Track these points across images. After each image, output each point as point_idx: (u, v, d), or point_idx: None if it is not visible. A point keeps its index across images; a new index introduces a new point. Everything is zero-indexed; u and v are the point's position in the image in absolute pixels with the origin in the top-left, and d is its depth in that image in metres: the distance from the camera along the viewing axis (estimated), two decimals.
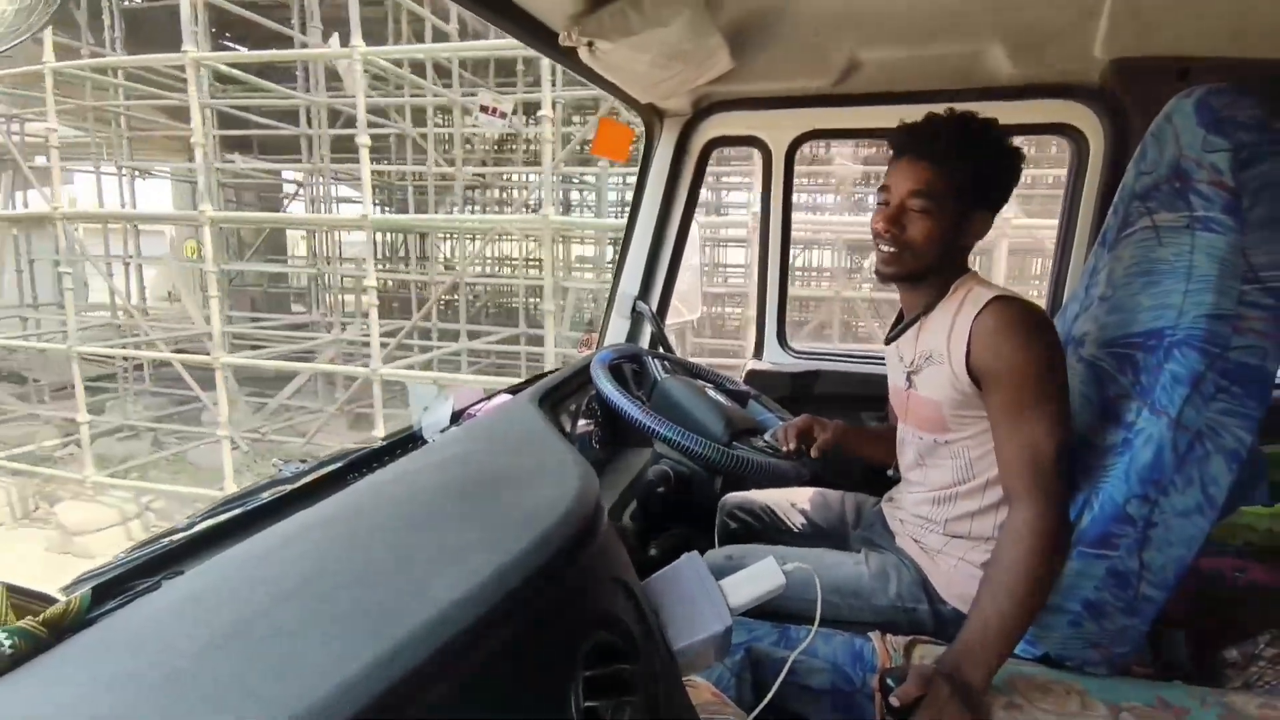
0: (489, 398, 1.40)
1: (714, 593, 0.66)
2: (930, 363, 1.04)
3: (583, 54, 1.12)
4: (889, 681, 0.88)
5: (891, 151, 1.08)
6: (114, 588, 0.64)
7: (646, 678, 0.54)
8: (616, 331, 1.79)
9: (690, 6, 1.07)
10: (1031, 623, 0.92)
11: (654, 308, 1.77)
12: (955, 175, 0.99)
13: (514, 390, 1.48)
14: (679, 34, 1.11)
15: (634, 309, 1.75)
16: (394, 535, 0.55)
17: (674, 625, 0.65)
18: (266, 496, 0.90)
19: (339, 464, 1.03)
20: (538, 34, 1.10)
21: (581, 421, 1.46)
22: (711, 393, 1.32)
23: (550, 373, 1.57)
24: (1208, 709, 0.89)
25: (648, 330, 1.80)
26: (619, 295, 1.77)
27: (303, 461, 1.04)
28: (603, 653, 0.51)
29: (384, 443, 1.13)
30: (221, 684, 0.38)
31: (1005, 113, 1.54)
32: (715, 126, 1.69)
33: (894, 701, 0.85)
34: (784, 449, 1.20)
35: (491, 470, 0.69)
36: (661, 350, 1.77)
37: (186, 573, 0.65)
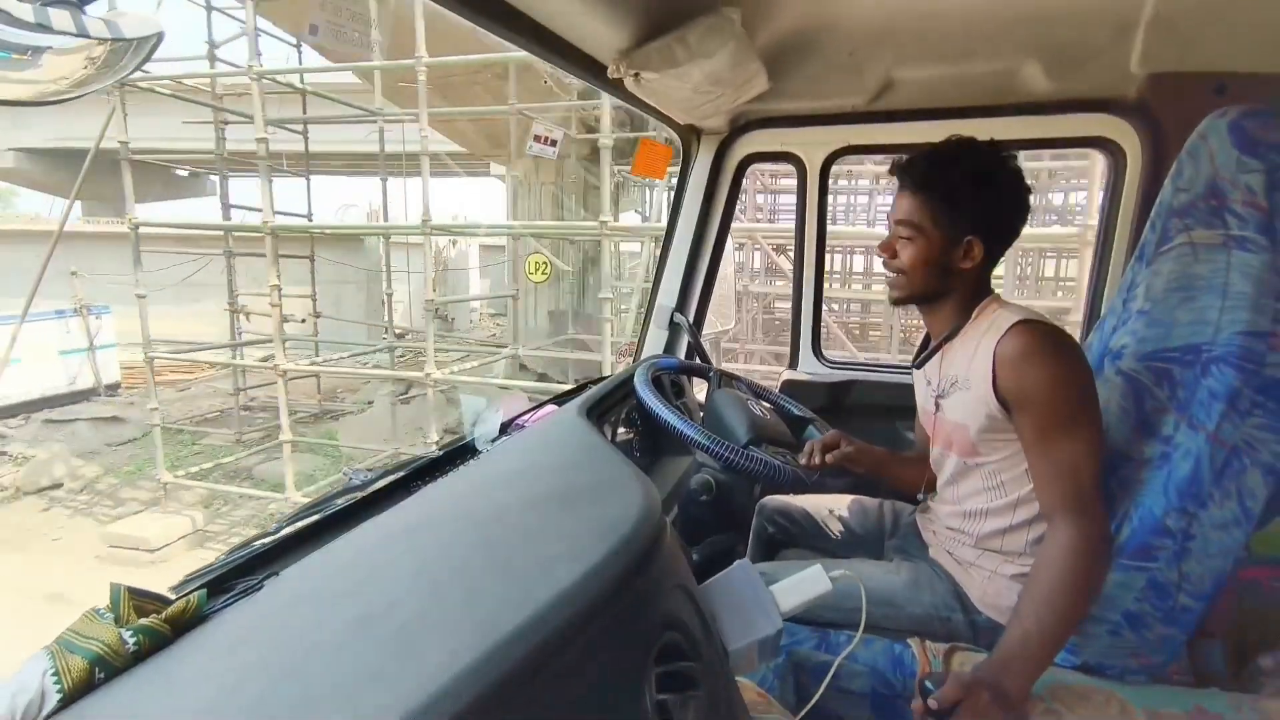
0: (536, 408, 1.47)
1: (765, 598, 0.71)
2: (957, 388, 1.07)
3: (629, 84, 1.17)
4: (928, 684, 0.91)
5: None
6: (221, 587, 0.71)
7: (706, 675, 0.59)
8: (654, 342, 1.85)
9: (734, 37, 1.12)
10: (1071, 634, 0.94)
11: (691, 319, 1.82)
12: (931, 204, 1.03)
13: (559, 400, 1.55)
14: (722, 63, 1.16)
15: (671, 320, 1.80)
16: (484, 543, 0.60)
17: (728, 628, 0.69)
18: (341, 503, 0.97)
19: (403, 473, 1.10)
20: (587, 67, 1.16)
21: (621, 430, 1.52)
22: (753, 406, 1.36)
23: (593, 382, 1.63)
24: (1243, 716, 0.90)
25: (684, 340, 1.85)
26: (657, 307, 1.82)
27: (369, 470, 1.11)
28: (670, 652, 0.56)
29: (441, 453, 1.19)
30: (341, 676, 0.44)
31: (1041, 127, 1.58)
32: (751, 144, 1.73)
33: (933, 704, 0.89)
34: (808, 460, 1.23)
35: (561, 483, 0.74)
36: (699, 360, 1.82)
37: (282, 573, 0.72)
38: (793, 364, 1.97)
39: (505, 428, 1.36)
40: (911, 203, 1.05)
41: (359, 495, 1.00)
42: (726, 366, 1.75)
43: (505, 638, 0.44)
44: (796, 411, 1.54)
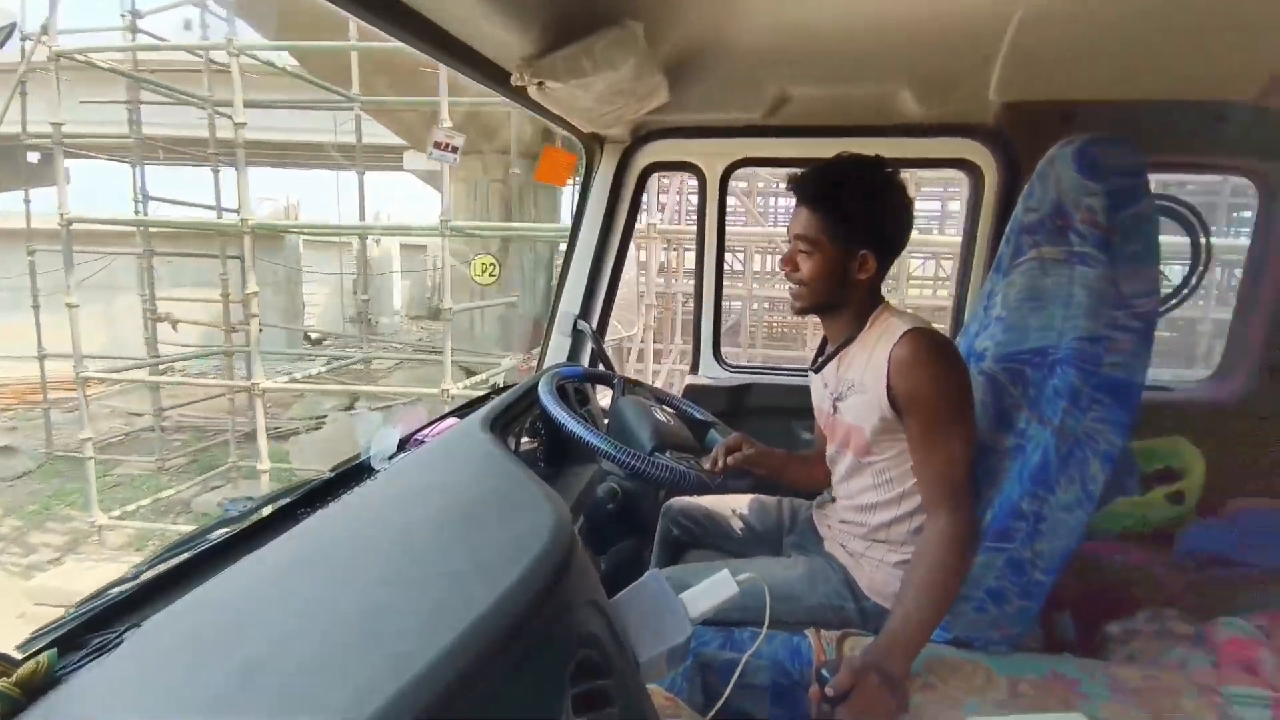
0: (436, 421, 1.42)
1: (675, 606, 0.73)
2: (853, 391, 1.14)
3: (532, 92, 1.16)
4: (824, 673, 0.97)
5: None
6: (75, 643, 0.63)
7: (620, 690, 0.60)
8: (558, 349, 1.84)
9: (637, 50, 1.14)
10: (945, 613, 1.04)
11: (594, 326, 1.82)
12: (829, 218, 1.10)
13: (460, 412, 1.50)
14: (625, 74, 1.17)
15: (575, 327, 1.80)
16: (386, 571, 0.58)
17: (640, 638, 0.70)
18: (216, 538, 0.89)
19: (289, 499, 1.02)
20: (490, 73, 1.13)
21: (525, 440, 1.50)
22: (656, 412, 1.39)
23: (497, 392, 1.60)
24: (1095, 680, 1.03)
25: (588, 347, 1.86)
26: (560, 314, 1.82)
27: (249, 499, 1.02)
28: (584, 669, 0.56)
29: (333, 474, 1.13)
30: None
31: (915, 149, 1.72)
32: (653, 153, 1.76)
33: (829, 691, 0.95)
34: (713, 465, 1.27)
35: (467, 502, 0.72)
36: (602, 366, 1.82)
37: (145, 624, 0.64)
38: (694, 369, 2.02)
39: (404, 444, 1.31)
40: (809, 218, 1.10)
41: (238, 528, 0.92)
42: (638, 369, 1.76)
43: (418, 674, 0.42)
44: (699, 416, 1.59)
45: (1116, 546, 1.49)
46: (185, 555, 0.82)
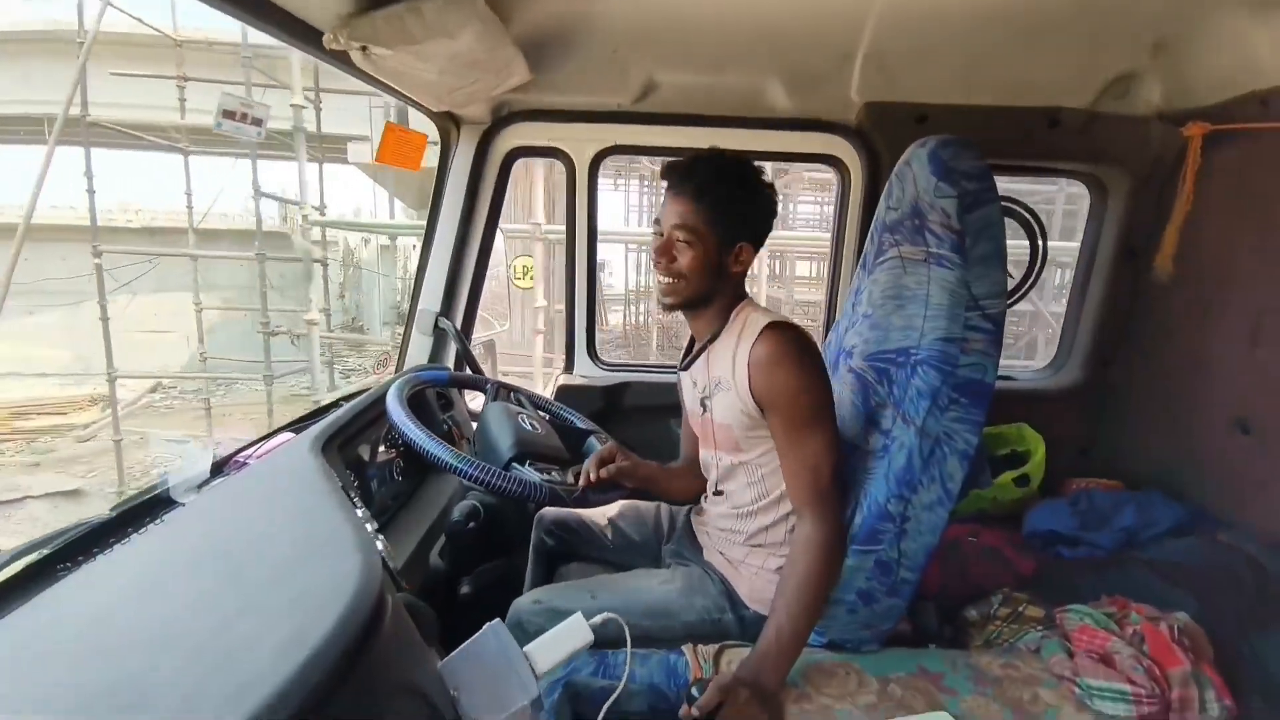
0: (266, 438, 1.23)
1: (519, 662, 0.63)
2: (720, 388, 1.10)
3: (356, 58, 1.00)
4: (694, 691, 0.92)
5: (665, 185, 1.11)
6: None
7: None
8: (418, 350, 1.67)
9: (480, 19, 1.01)
10: (817, 621, 1.02)
11: (458, 324, 1.67)
12: (712, 209, 1.06)
13: (297, 425, 1.31)
14: (469, 44, 1.04)
15: (436, 326, 1.64)
16: (151, 636, 0.43)
17: (479, 702, 0.60)
18: None
19: (44, 552, 0.82)
20: (299, 34, 0.96)
21: (383, 450, 1.34)
22: (525, 420, 1.27)
23: (347, 399, 1.41)
24: (959, 673, 1.05)
25: (452, 348, 1.71)
26: (419, 312, 1.65)
27: None
28: None
29: (113, 515, 0.92)
30: None
31: (784, 142, 1.71)
32: (516, 136, 1.63)
33: (695, 713, 0.89)
34: (585, 479, 1.18)
35: (262, 544, 0.58)
36: (469, 369, 1.68)
37: None
38: (568, 368, 1.92)
39: (220, 467, 1.11)
40: (689, 208, 1.05)
41: None
42: (522, 373, 1.63)
43: None
44: (580, 424, 1.49)
45: (972, 528, 1.56)
46: None
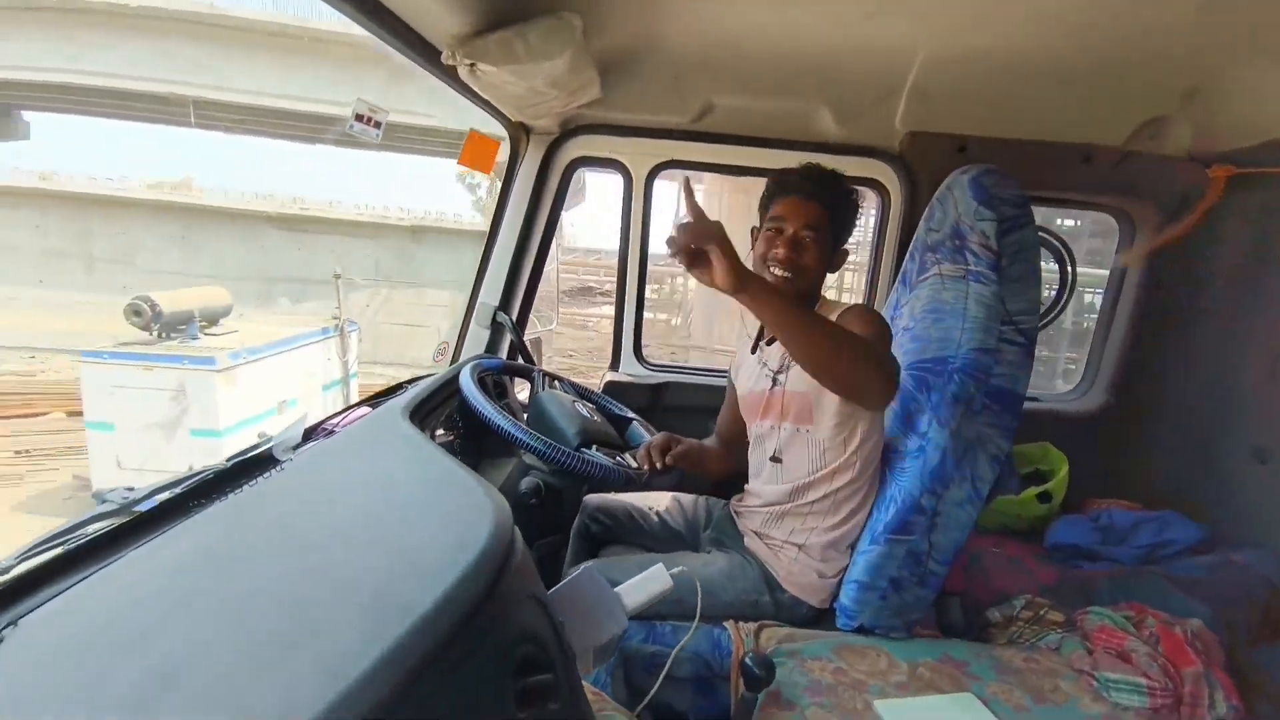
0: (345, 411, 1.33)
1: (611, 600, 0.72)
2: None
3: (462, 73, 1.12)
4: (748, 661, 0.99)
5: (777, 190, 1.25)
6: None
7: (561, 684, 0.59)
8: (476, 341, 1.78)
9: (574, 42, 1.12)
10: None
11: (514, 318, 1.78)
12: (835, 216, 1.22)
13: (371, 402, 1.42)
14: (561, 66, 1.16)
15: (494, 319, 1.75)
16: (313, 568, 0.53)
17: (575, 632, 0.69)
18: (94, 531, 0.79)
19: (178, 490, 0.93)
20: (420, 50, 1.08)
21: (441, 432, 1.44)
22: (580, 408, 1.37)
23: (408, 383, 1.52)
24: (982, 661, 1.13)
25: (506, 340, 1.81)
26: (479, 305, 1.76)
27: (129, 490, 0.92)
28: (527, 665, 0.54)
29: (229, 464, 1.03)
30: None
31: (830, 164, 1.81)
32: (580, 147, 1.75)
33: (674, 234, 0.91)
34: (643, 465, 1.29)
35: (396, 494, 0.68)
36: (521, 360, 1.79)
37: (22, 622, 0.57)
38: (614, 365, 2.02)
39: (310, 434, 1.22)
40: (819, 212, 1.20)
41: (118, 521, 0.82)
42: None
43: (358, 679, 0.39)
44: (618, 412, 1.59)
45: (998, 539, 1.64)
46: (59, 549, 0.72)
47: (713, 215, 0.93)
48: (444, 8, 1.03)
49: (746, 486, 1.37)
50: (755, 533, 1.29)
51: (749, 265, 0.96)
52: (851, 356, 1.00)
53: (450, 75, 1.14)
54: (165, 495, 0.93)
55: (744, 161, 1.79)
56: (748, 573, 1.24)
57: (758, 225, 1.29)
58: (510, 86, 1.24)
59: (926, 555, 1.17)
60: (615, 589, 0.74)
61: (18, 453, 6.15)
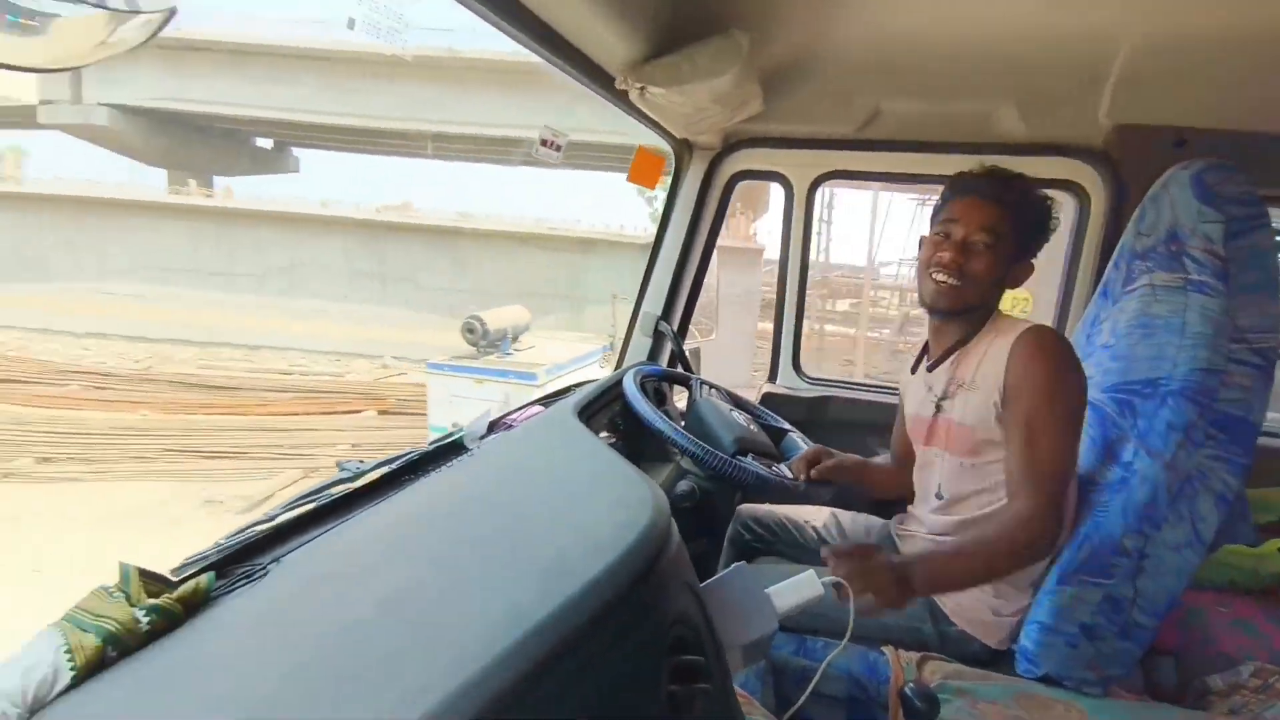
0: (521, 408, 1.48)
1: (762, 600, 0.74)
2: (964, 389, 1.13)
3: (633, 96, 1.20)
4: (908, 691, 0.95)
5: (952, 193, 1.17)
6: (223, 572, 0.70)
7: (710, 670, 0.62)
8: (638, 349, 1.87)
9: (740, 60, 1.16)
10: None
11: (674, 328, 1.85)
12: (1017, 222, 1.10)
13: (544, 402, 1.55)
14: (726, 84, 1.20)
15: (656, 328, 1.83)
16: (500, 533, 0.61)
17: (726, 627, 0.72)
18: (335, 493, 0.96)
19: (394, 466, 1.09)
20: (594, 76, 1.18)
21: (603, 434, 1.54)
22: (737, 417, 1.40)
23: (576, 386, 1.64)
24: None
25: (667, 348, 1.89)
26: (642, 314, 1.85)
27: (360, 462, 1.10)
28: (679, 646, 0.58)
29: (431, 448, 1.19)
30: (370, 658, 0.45)
31: (1014, 167, 1.67)
32: (741, 161, 1.78)
33: (826, 554, 0.93)
34: (798, 476, 1.28)
35: (567, 479, 0.76)
36: (680, 369, 1.85)
37: (285, 560, 0.72)
38: (772, 377, 2.02)
39: (493, 426, 1.37)
40: (997, 215, 1.09)
41: (351, 486, 0.99)
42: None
43: (537, 625, 0.45)
44: (774, 423, 1.59)
45: (1223, 597, 1.38)
46: (310, 505, 0.89)
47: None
48: (618, 38, 1.12)
49: (910, 508, 1.30)
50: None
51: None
52: (1030, 553, 0.99)
53: (621, 98, 1.23)
54: (384, 470, 1.10)
55: (914, 169, 1.71)
56: (912, 600, 1.18)
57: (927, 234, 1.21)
58: (676, 106, 1.31)
59: (1130, 603, 1.03)
60: (766, 590, 0.75)
61: (354, 445, 7.40)
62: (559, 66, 1.18)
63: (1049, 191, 1.19)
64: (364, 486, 1.00)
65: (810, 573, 0.78)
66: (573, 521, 0.64)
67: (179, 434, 7.07)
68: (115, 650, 0.52)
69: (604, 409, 1.48)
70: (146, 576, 0.62)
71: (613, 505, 0.67)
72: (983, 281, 1.10)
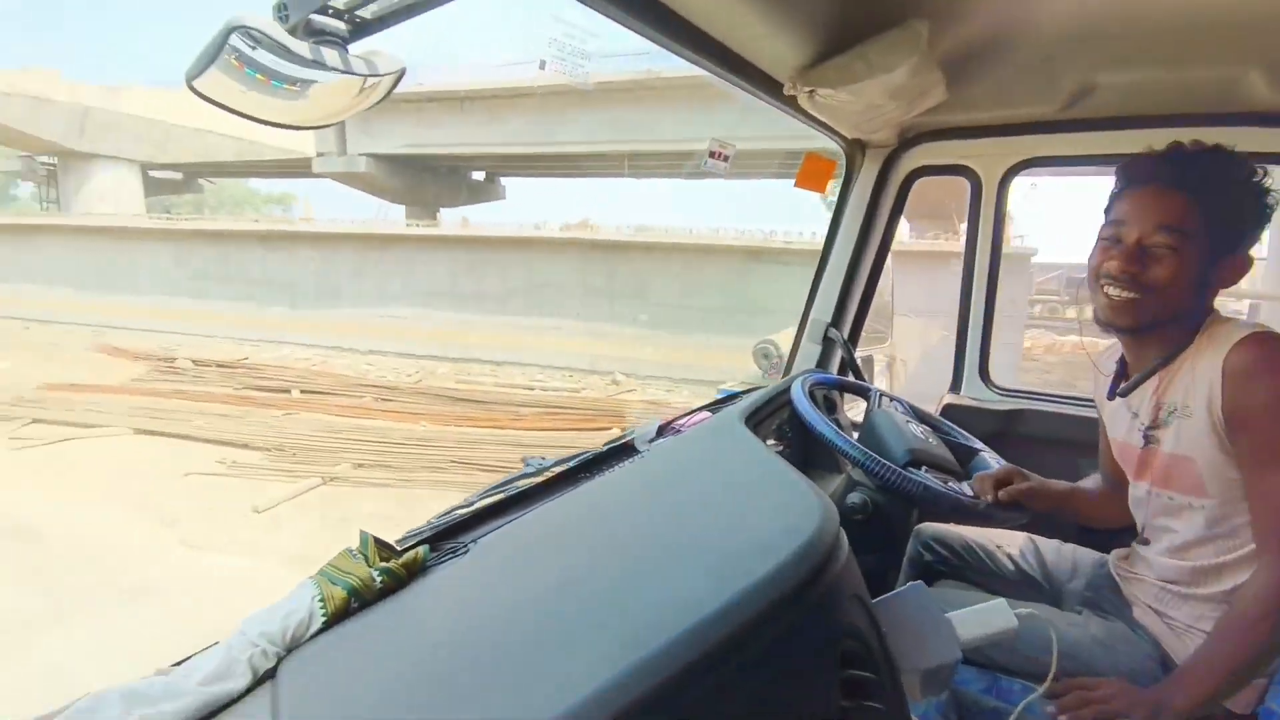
0: (689, 413, 1.51)
1: (942, 624, 0.69)
2: (1176, 416, 0.95)
3: (802, 100, 1.19)
4: None
5: (1123, 183, 0.99)
6: (434, 546, 0.81)
7: (884, 688, 0.59)
8: (807, 356, 1.83)
9: (917, 51, 1.10)
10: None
11: (845, 335, 1.78)
12: (1211, 210, 0.89)
13: (712, 408, 1.58)
14: (903, 77, 1.14)
15: (826, 335, 1.78)
16: (670, 530, 0.64)
17: (900, 649, 0.68)
18: (521, 485, 1.06)
19: (571, 464, 1.18)
20: (762, 84, 1.19)
21: (771, 441, 1.52)
22: (914, 429, 1.31)
23: (745, 392, 1.65)
24: None
25: (837, 356, 1.82)
26: (811, 321, 1.80)
27: (542, 459, 1.20)
28: (849, 659, 0.56)
29: (605, 449, 1.27)
30: (549, 635, 0.50)
31: (1259, 140, 1.38)
32: (920, 156, 1.67)
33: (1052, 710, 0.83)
34: (981, 495, 1.16)
35: (735, 483, 0.77)
36: (852, 377, 1.77)
37: (481, 541, 0.81)
38: (954, 387, 1.85)
39: (662, 430, 1.42)
40: (1181, 206, 0.90)
41: (534, 480, 1.09)
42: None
43: (707, 617, 0.47)
44: (962, 440, 1.46)
45: None
46: (500, 496, 1.00)
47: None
48: (787, 45, 1.11)
49: (1134, 544, 1.12)
50: (1150, 607, 1.03)
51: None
52: None
53: (790, 104, 1.22)
54: (564, 467, 1.19)
55: (1129, 148, 1.47)
56: (1137, 647, 1.01)
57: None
58: (848, 105, 1.26)
59: None
60: (948, 614, 0.70)
61: None
62: (727, 79, 1.20)
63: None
64: (545, 481, 1.10)
65: (1001, 602, 0.71)
66: (740, 523, 0.65)
67: (454, 445, 7.74)
68: (356, 602, 0.63)
69: (771, 416, 1.46)
70: (379, 544, 0.73)
71: (780, 510, 0.67)
72: (1168, 290, 0.90)
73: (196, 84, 0.64)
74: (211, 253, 13.41)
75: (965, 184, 1.72)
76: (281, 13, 0.64)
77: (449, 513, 0.94)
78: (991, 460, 1.37)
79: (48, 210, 19.19)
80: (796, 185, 1.56)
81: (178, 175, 21.67)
